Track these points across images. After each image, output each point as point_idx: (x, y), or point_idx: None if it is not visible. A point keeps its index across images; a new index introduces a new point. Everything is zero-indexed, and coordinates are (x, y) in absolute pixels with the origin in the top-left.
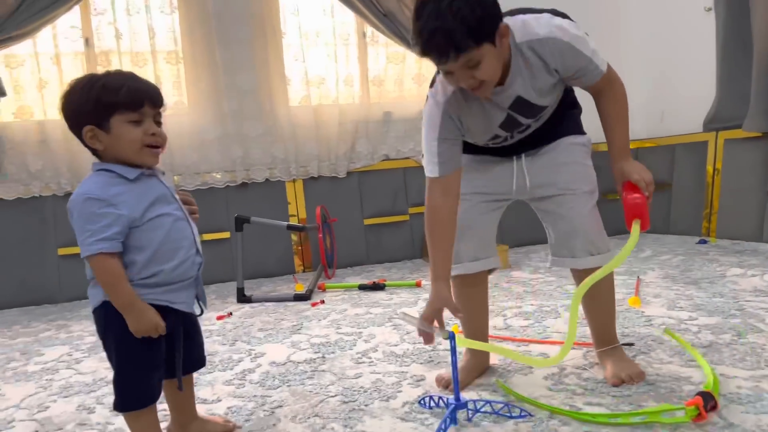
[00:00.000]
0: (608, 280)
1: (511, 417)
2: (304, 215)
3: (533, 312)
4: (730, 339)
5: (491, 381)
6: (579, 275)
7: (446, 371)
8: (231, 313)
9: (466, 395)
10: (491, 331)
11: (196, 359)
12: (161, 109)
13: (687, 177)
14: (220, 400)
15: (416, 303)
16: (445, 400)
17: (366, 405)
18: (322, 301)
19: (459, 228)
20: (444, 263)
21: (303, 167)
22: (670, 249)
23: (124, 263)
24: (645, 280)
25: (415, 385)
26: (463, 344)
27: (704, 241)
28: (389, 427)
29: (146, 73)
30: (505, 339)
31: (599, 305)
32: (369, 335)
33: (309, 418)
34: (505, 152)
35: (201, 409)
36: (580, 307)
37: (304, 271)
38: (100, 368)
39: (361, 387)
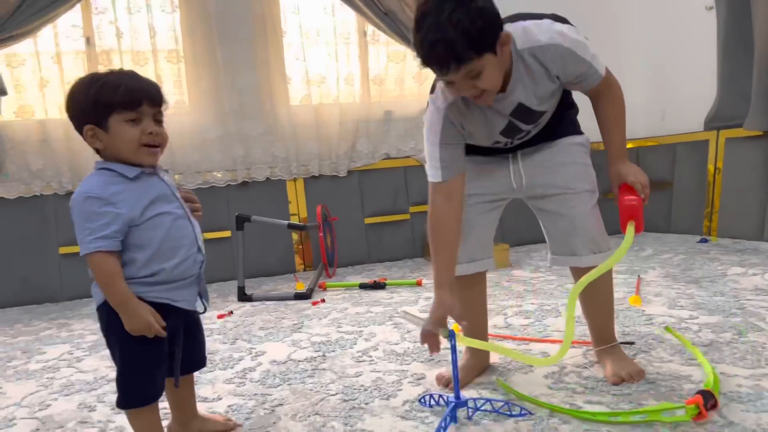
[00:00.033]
0: (607, 279)
1: (511, 415)
2: (305, 214)
3: (534, 311)
4: (730, 338)
5: (491, 379)
6: (579, 274)
7: (446, 370)
8: (232, 312)
9: (466, 394)
10: (492, 330)
11: (198, 359)
12: (162, 108)
13: (688, 176)
14: (220, 399)
15: (417, 302)
16: (445, 398)
17: (366, 403)
18: (323, 300)
19: None
20: (447, 270)
21: (304, 166)
22: (671, 248)
23: (123, 261)
24: (646, 279)
25: (415, 384)
26: (464, 343)
27: (705, 240)
28: (389, 426)
29: (147, 72)
30: (505, 338)
31: (598, 304)
32: (369, 334)
33: (309, 416)
34: (502, 152)
35: (201, 408)
36: (579, 306)
37: (304, 270)
38: (101, 367)
39: (362, 385)
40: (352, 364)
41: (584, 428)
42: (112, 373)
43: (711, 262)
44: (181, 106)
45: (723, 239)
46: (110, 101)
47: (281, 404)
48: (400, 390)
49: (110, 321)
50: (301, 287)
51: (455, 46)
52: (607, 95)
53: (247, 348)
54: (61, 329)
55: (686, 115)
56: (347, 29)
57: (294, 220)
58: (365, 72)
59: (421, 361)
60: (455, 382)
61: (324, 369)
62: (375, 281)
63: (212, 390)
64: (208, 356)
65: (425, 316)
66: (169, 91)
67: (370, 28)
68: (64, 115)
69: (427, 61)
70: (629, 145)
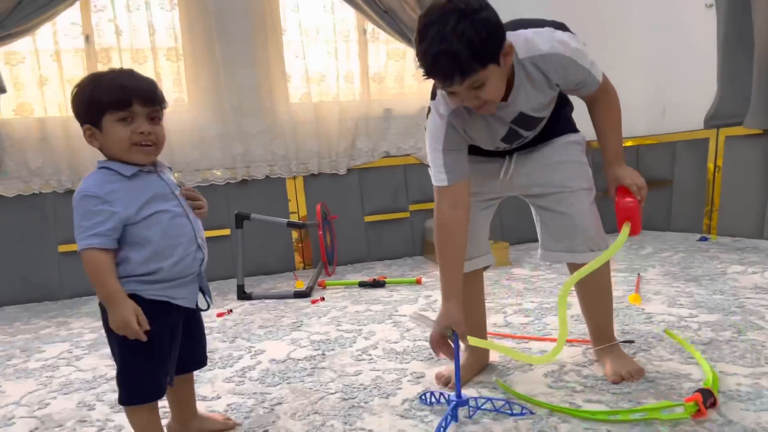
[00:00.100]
0: (606, 278)
1: (512, 414)
2: (305, 212)
3: (533, 309)
4: (730, 336)
5: (491, 378)
6: (575, 270)
7: (446, 368)
8: (231, 310)
9: (465, 392)
10: (491, 329)
11: (198, 359)
12: (157, 107)
13: (688, 174)
14: (219, 398)
15: (416, 300)
16: (446, 396)
17: (366, 402)
18: (323, 298)
19: None
20: (455, 280)
21: (303, 164)
22: (671, 246)
23: (121, 259)
24: (645, 277)
25: (415, 383)
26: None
27: (705, 238)
28: (389, 424)
29: (146, 70)
30: (504, 336)
31: (597, 303)
32: (369, 332)
33: (309, 415)
34: (498, 153)
35: (201, 407)
36: (577, 305)
37: (304, 268)
38: (100, 365)
39: (361, 384)
40: (351, 363)
41: (584, 427)
42: (112, 372)
43: (711, 260)
44: (180, 103)
45: (723, 237)
46: (101, 101)
47: (280, 403)
48: (400, 389)
49: None
50: (301, 285)
51: (460, 58)
52: (603, 100)
53: (247, 346)
54: (60, 327)
55: (686, 113)
56: (347, 27)
57: (293, 219)
58: (365, 70)
59: (421, 360)
60: (456, 380)
61: (323, 368)
62: (374, 279)
63: (211, 389)
64: (207, 354)
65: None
66: (168, 89)
67: (370, 26)
68: (63, 113)
69: (430, 72)
70: (629, 143)
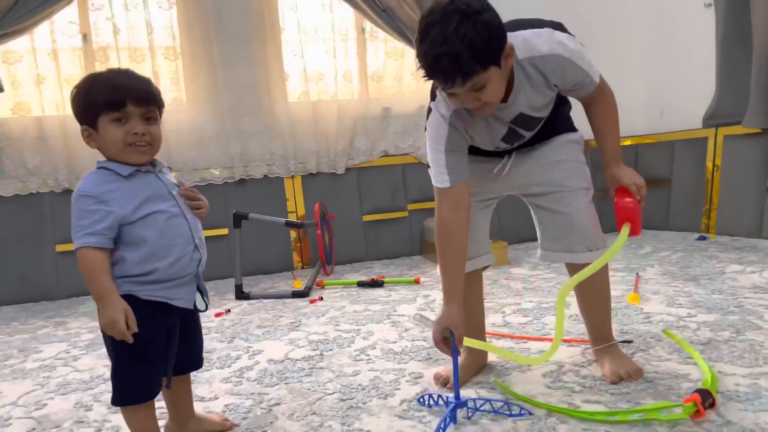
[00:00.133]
0: (604, 278)
1: (511, 415)
2: (303, 212)
3: (532, 309)
4: (728, 336)
5: (489, 378)
6: (575, 270)
7: (444, 369)
8: (229, 310)
9: (464, 393)
10: (490, 328)
11: (195, 360)
12: (152, 107)
13: (686, 173)
14: (217, 398)
15: (415, 300)
16: (444, 398)
17: (364, 403)
18: (321, 298)
19: None
20: (457, 282)
21: (301, 163)
22: (670, 245)
23: (117, 259)
24: (644, 277)
25: (413, 383)
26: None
27: (704, 238)
28: (387, 425)
29: (144, 69)
30: (503, 336)
31: (596, 303)
32: (367, 332)
33: (306, 416)
34: (497, 153)
35: (198, 407)
36: (576, 305)
37: (302, 268)
38: (97, 365)
39: (359, 385)
40: (349, 363)
41: (582, 428)
42: (109, 372)
43: (709, 259)
44: (178, 103)
45: (721, 237)
46: (96, 102)
47: (278, 404)
48: (398, 389)
49: None
50: (299, 285)
51: (461, 60)
52: (600, 101)
53: (245, 347)
54: (58, 327)
55: (685, 112)
56: (345, 26)
57: (292, 218)
58: (363, 69)
59: (419, 360)
60: (455, 382)
61: (321, 368)
62: (373, 279)
63: (209, 389)
64: (205, 355)
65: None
66: (166, 88)
67: (369, 25)
68: (61, 112)
69: (431, 73)
70: (627, 143)
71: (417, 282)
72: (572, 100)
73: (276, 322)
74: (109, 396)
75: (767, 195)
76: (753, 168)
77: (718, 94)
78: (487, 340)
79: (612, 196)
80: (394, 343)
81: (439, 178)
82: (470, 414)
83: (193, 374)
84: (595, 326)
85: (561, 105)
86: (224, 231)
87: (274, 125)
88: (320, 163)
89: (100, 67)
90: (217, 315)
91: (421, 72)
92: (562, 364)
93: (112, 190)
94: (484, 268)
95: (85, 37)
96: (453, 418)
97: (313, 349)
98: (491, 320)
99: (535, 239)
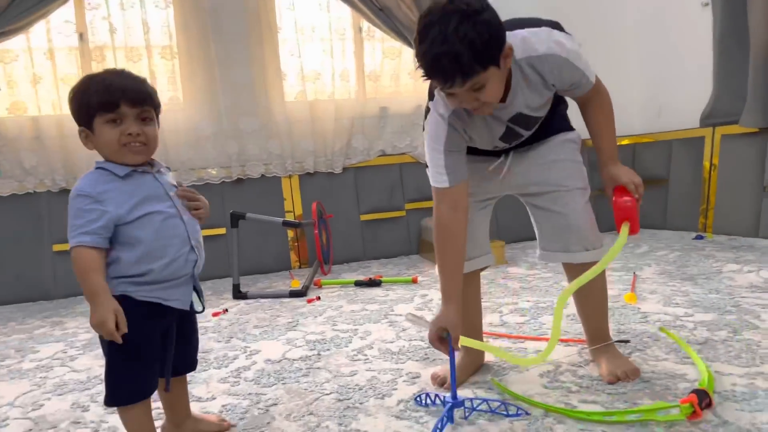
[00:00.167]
0: (601, 277)
1: (508, 415)
2: (300, 211)
3: (529, 308)
4: (725, 336)
5: (486, 378)
6: (571, 270)
7: (441, 369)
8: (226, 310)
9: (461, 393)
10: (487, 328)
11: (189, 362)
12: (147, 107)
13: (683, 172)
14: (214, 398)
15: (412, 299)
16: (441, 398)
17: (361, 403)
18: (318, 298)
19: None
20: (455, 282)
21: (299, 163)
22: (667, 244)
23: (112, 259)
24: (641, 276)
25: (410, 383)
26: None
27: (701, 237)
28: (384, 425)
29: (141, 69)
30: (500, 336)
31: (593, 303)
32: (365, 332)
33: (304, 416)
34: (495, 152)
35: (195, 408)
36: (573, 305)
37: (300, 267)
38: (94, 366)
39: (357, 385)
40: (346, 363)
41: (579, 428)
42: None
43: (706, 259)
44: (175, 102)
45: (718, 236)
46: (90, 104)
47: (276, 404)
48: (395, 389)
49: None
50: (297, 285)
51: (461, 60)
52: (596, 100)
53: (242, 346)
54: (55, 327)
55: (682, 111)
56: (342, 25)
57: (289, 217)
58: (360, 68)
59: (416, 360)
60: (452, 382)
61: (319, 368)
62: (370, 279)
63: (206, 389)
64: (202, 355)
65: (431, 317)
66: (163, 88)
67: (366, 24)
68: (57, 112)
69: (431, 73)
70: (625, 142)
71: (414, 281)
72: (568, 100)
73: (273, 321)
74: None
75: (764, 194)
76: (750, 167)
77: (715, 93)
78: (485, 340)
79: (609, 196)
80: (392, 342)
81: (437, 178)
82: (467, 414)
83: (190, 374)
84: (592, 326)
85: (558, 104)
86: (222, 230)
87: (272, 125)
88: (317, 162)
89: (96, 67)
90: (215, 315)
91: (419, 71)
92: (559, 364)
93: (108, 190)
94: (483, 269)
95: (82, 37)
96: (450, 418)
97: (311, 349)
98: (488, 320)
99: (533, 238)
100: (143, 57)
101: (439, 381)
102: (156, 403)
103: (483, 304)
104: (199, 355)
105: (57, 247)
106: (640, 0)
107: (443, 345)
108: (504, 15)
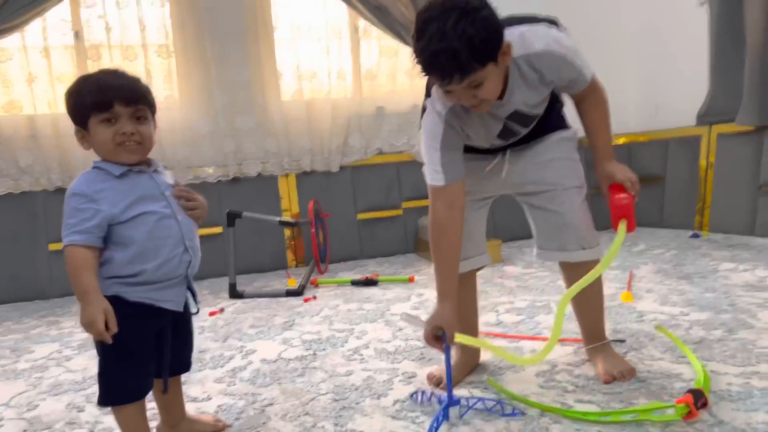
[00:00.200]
0: (597, 278)
1: (504, 415)
2: (297, 210)
3: (525, 308)
4: (721, 335)
5: (482, 378)
6: (568, 268)
7: (437, 368)
8: (223, 309)
9: (457, 392)
10: (483, 327)
11: (183, 363)
12: (141, 106)
13: (680, 171)
14: (210, 399)
15: (409, 298)
16: (437, 397)
17: (357, 403)
18: (315, 297)
19: None
20: (451, 281)
21: (295, 162)
22: (663, 243)
23: (106, 259)
24: (637, 275)
25: (406, 383)
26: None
27: (697, 235)
28: (380, 426)
29: (137, 67)
30: (496, 335)
31: (589, 303)
32: (361, 332)
33: (299, 416)
34: (492, 151)
35: (191, 408)
36: (570, 304)
37: (296, 266)
38: (90, 366)
39: (353, 385)
40: (342, 363)
41: (575, 428)
42: None
43: (702, 257)
44: (171, 101)
45: (714, 234)
46: (84, 104)
47: (271, 404)
48: (391, 389)
49: None
50: (293, 284)
51: (459, 57)
52: (592, 98)
53: (238, 346)
54: (51, 327)
55: (678, 110)
56: (339, 24)
57: (286, 216)
58: (357, 67)
59: (412, 360)
60: (448, 382)
61: (315, 368)
62: (367, 278)
63: (202, 389)
64: (198, 355)
65: (426, 317)
66: (159, 86)
67: (362, 23)
68: (53, 111)
69: (429, 70)
70: (621, 140)
71: (411, 281)
72: (564, 97)
73: (270, 321)
74: None
75: (760, 192)
76: (746, 165)
77: (711, 92)
78: (479, 339)
79: (605, 193)
80: (388, 342)
81: (433, 176)
82: (463, 413)
83: (185, 375)
84: (588, 325)
85: (554, 102)
86: (218, 229)
87: (268, 123)
88: (314, 161)
89: (92, 65)
90: (211, 314)
91: (416, 70)
92: (555, 364)
93: (103, 189)
94: (479, 268)
95: (77, 35)
96: (446, 417)
97: (307, 349)
98: (485, 319)
99: (529, 237)
100: (139, 55)
101: (435, 381)
102: (151, 404)
103: (479, 303)
104: (195, 355)
105: (53, 247)
106: None
107: (439, 343)
108: (502, 12)
